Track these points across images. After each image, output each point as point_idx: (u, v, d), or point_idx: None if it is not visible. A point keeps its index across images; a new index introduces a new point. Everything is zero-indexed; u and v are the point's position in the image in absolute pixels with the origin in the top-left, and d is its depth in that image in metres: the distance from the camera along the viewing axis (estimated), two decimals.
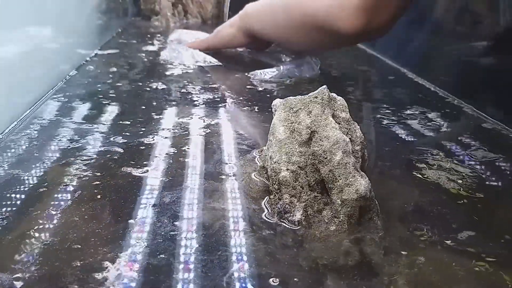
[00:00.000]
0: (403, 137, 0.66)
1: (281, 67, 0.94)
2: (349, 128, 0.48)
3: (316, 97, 0.47)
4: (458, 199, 0.49)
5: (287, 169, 0.46)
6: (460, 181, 0.52)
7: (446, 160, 0.57)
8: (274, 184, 0.47)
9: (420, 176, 0.54)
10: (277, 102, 0.50)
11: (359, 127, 0.49)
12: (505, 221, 0.45)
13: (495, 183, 0.52)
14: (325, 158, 0.46)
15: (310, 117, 0.46)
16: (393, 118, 0.73)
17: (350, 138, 0.47)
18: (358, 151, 0.48)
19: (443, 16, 1.01)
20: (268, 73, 0.93)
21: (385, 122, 0.71)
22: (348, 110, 0.49)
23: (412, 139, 0.65)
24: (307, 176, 0.46)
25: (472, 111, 0.77)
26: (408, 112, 0.76)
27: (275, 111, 0.50)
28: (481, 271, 0.37)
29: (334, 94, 0.49)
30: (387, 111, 0.76)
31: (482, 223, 0.44)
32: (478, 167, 0.55)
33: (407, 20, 1.09)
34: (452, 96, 0.86)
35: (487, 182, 0.52)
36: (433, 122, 0.71)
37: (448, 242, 0.41)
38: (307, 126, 0.46)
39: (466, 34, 0.90)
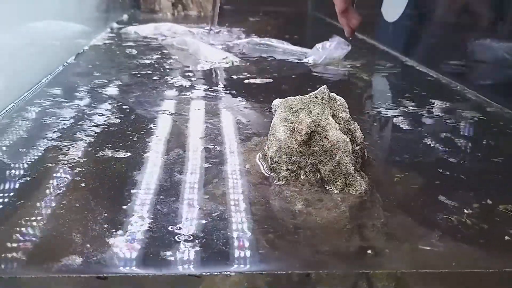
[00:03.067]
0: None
1: (323, 51, 1.05)
2: (349, 128, 0.48)
3: (316, 97, 0.47)
4: None
5: (287, 169, 0.47)
6: None
7: None
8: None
9: None
10: (277, 102, 0.50)
11: (359, 127, 0.49)
12: None
13: None
14: (325, 158, 0.46)
15: (310, 117, 0.46)
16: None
17: (350, 138, 0.47)
18: (358, 151, 0.48)
19: (446, 11, 1.02)
20: (317, 59, 1.04)
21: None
22: (348, 110, 0.49)
23: None
24: (307, 176, 0.46)
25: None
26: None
27: (275, 111, 0.50)
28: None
29: (334, 94, 0.49)
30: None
31: None
32: None
33: (414, 16, 1.10)
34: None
35: None
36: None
37: None
38: (307, 126, 0.46)
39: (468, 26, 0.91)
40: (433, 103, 0.75)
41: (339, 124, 0.47)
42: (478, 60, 0.85)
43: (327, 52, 1.04)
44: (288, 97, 0.49)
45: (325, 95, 0.47)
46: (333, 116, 0.47)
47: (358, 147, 0.47)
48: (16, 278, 0.33)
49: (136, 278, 0.34)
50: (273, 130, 0.48)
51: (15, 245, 0.36)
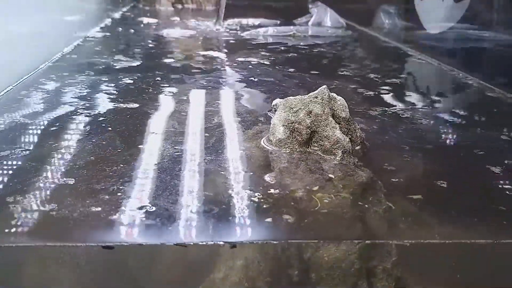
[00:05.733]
0: None
1: (313, 15, 1.30)
2: (349, 128, 0.48)
3: (316, 97, 0.47)
4: None
5: None
6: None
7: None
8: None
9: None
10: (277, 102, 0.50)
11: (359, 127, 0.49)
12: None
13: None
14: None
15: (310, 117, 0.46)
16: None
17: (350, 138, 0.47)
18: (359, 150, 0.48)
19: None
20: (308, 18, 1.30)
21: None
22: (348, 110, 0.49)
23: None
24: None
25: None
26: None
27: (275, 111, 0.50)
28: None
29: (334, 94, 0.49)
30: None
31: None
32: None
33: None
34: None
35: None
36: None
37: None
38: (307, 126, 0.46)
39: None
40: (433, 89, 0.76)
41: (339, 124, 0.47)
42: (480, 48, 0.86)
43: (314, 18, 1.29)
44: (288, 97, 0.49)
45: (325, 95, 0.47)
46: (333, 116, 0.47)
47: (358, 147, 0.47)
48: (22, 247, 0.33)
49: (144, 248, 0.34)
50: (273, 130, 0.48)
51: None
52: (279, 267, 0.36)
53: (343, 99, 0.49)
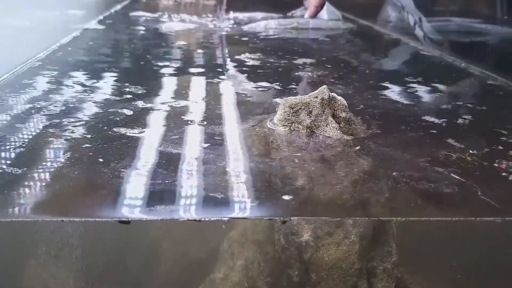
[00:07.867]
0: None
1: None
2: (350, 128, 0.48)
3: (316, 97, 0.47)
4: None
5: None
6: None
7: None
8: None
9: None
10: (277, 101, 0.51)
11: (359, 126, 0.49)
12: None
13: None
14: None
15: (310, 117, 0.46)
16: None
17: (350, 138, 0.47)
18: (359, 150, 0.48)
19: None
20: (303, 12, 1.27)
21: None
22: (348, 109, 0.49)
23: None
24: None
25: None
26: None
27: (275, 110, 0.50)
28: None
29: (334, 94, 0.49)
30: None
31: None
32: None
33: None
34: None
35: None
36: None
37: None
38: (307, 126, 0.46)
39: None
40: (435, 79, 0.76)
41: (339, 124, 0.47)
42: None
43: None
44: (288, 97, 0.49)
45: (325, 95, 0.47)
46: (333, 116, 0.47)
47: (358, 147, 0.47)
48: (40, 222, 0.34)
49: (161, 222, 0.33)
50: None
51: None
52: (280, 266, 0.36)
53: (343, 99, 0.49)
